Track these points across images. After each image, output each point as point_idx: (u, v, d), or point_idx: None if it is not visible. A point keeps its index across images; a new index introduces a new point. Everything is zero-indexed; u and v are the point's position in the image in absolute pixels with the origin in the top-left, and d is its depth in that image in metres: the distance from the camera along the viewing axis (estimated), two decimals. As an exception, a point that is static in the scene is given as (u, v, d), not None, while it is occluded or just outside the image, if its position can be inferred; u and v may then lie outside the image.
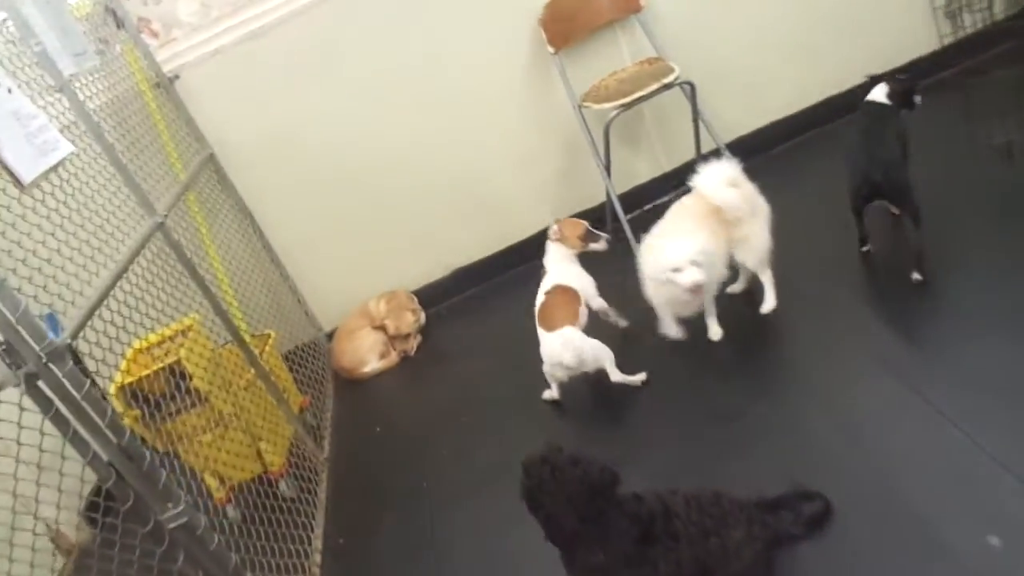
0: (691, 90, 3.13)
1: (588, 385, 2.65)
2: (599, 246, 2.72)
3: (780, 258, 2.59)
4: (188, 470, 2.41)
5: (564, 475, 1.62)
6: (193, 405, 2.50)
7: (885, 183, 2.43)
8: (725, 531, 1.71)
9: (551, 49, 3.24)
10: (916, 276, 2.45)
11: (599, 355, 2.51)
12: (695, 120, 3.28)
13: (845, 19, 3.43)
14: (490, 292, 3.58)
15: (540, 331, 2.56)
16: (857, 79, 3.41)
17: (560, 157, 3.51)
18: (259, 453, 2.66)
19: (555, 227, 2.75)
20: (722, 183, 2.42)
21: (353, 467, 2.88)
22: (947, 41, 3.51)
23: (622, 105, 2.97)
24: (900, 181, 2.42)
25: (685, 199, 2.55)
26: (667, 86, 2.96)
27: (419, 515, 2.48)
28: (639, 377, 2.54)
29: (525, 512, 1.69)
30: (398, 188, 3.44)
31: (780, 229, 2.56)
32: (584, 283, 2.69)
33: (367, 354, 3.36)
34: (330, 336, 3.59)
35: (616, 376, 2.52)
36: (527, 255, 3.53)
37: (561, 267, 2.70)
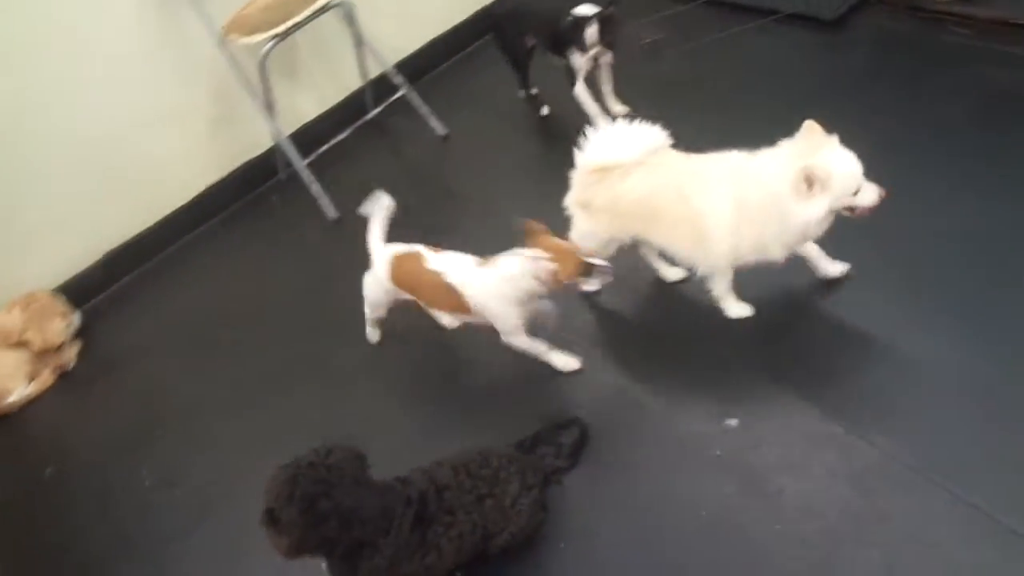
0: (349, 10, 2.82)
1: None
2: (593, 285, 1.85)
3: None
4: None
5: (340, 466, 1.44)
6: None
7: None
8: (499, 489, 1.62)
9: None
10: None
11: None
12: (357, 44, 2.99)
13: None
14: (156, 272, 3.11)
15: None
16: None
17: (212, 104, 3.06)
18: None
19: (536, 259, 1.74)
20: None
21: (25, 532, 2.26)
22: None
23: (277, 35, 2.59)
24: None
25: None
26: (324, 8, 2.63)
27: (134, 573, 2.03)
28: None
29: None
30: (15, 166, 2.75)
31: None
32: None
33: (8, 381, 2.71)
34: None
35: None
36: (191, 222, 3.11)
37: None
